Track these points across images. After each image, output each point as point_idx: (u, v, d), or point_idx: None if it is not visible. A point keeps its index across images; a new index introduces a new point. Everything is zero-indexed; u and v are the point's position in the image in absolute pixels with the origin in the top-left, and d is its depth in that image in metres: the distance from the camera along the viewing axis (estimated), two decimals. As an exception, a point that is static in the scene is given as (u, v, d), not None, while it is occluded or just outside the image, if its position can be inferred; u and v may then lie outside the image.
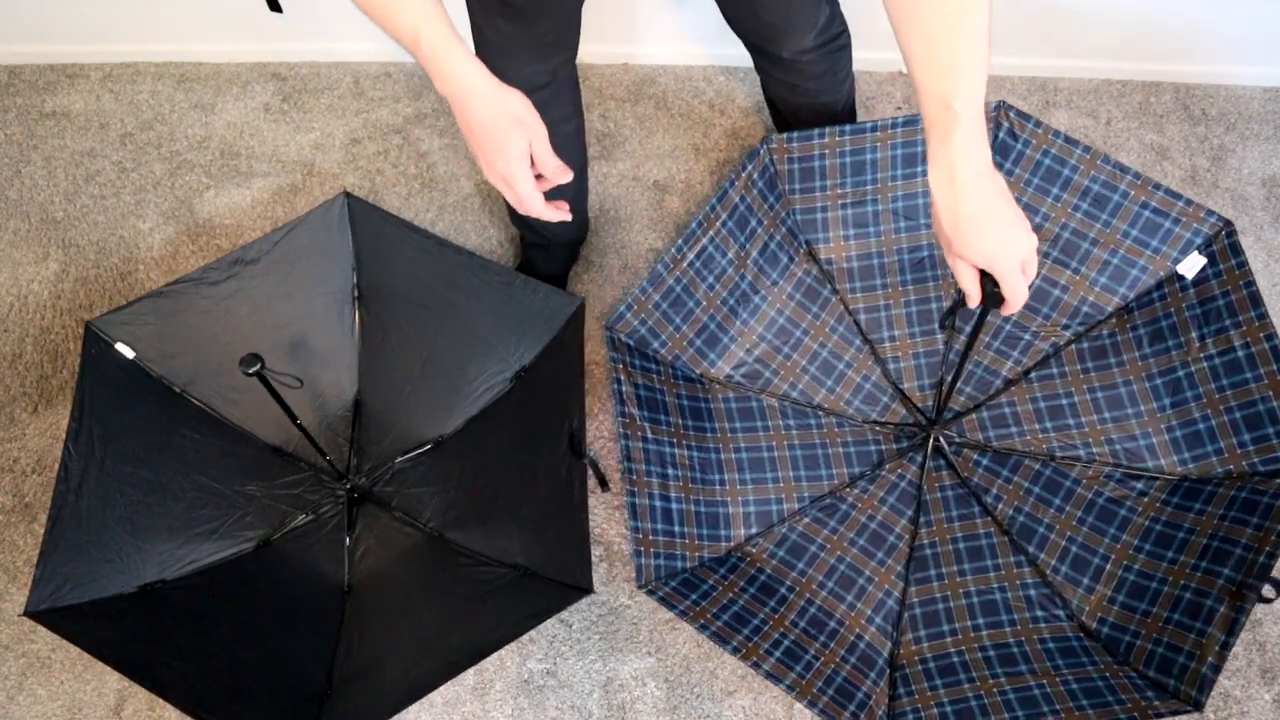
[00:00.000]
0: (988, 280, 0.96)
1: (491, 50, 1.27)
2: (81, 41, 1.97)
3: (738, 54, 1.55)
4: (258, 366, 1.15)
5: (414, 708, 1.51)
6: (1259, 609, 1.57)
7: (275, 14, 1.90)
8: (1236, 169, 1.91)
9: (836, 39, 1.45)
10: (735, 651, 1.21)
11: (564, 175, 0.95)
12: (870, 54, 1.90)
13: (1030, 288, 0.93)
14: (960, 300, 1.04)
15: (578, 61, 1.38)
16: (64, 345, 1.76)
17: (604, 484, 1.31)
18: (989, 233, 0.88)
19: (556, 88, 1.34)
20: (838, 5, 1.42)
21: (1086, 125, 1.95)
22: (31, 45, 1.97)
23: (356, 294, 1.53)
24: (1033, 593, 1.34)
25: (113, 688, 1.52)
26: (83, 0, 1.87)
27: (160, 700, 1.51)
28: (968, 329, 1.46)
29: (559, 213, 0.98)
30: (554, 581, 1.32)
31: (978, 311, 1.05)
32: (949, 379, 1.44)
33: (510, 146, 0.91)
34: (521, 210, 0.96)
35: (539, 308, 1.44)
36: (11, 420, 1.70)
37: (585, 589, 1.25)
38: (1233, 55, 1.93)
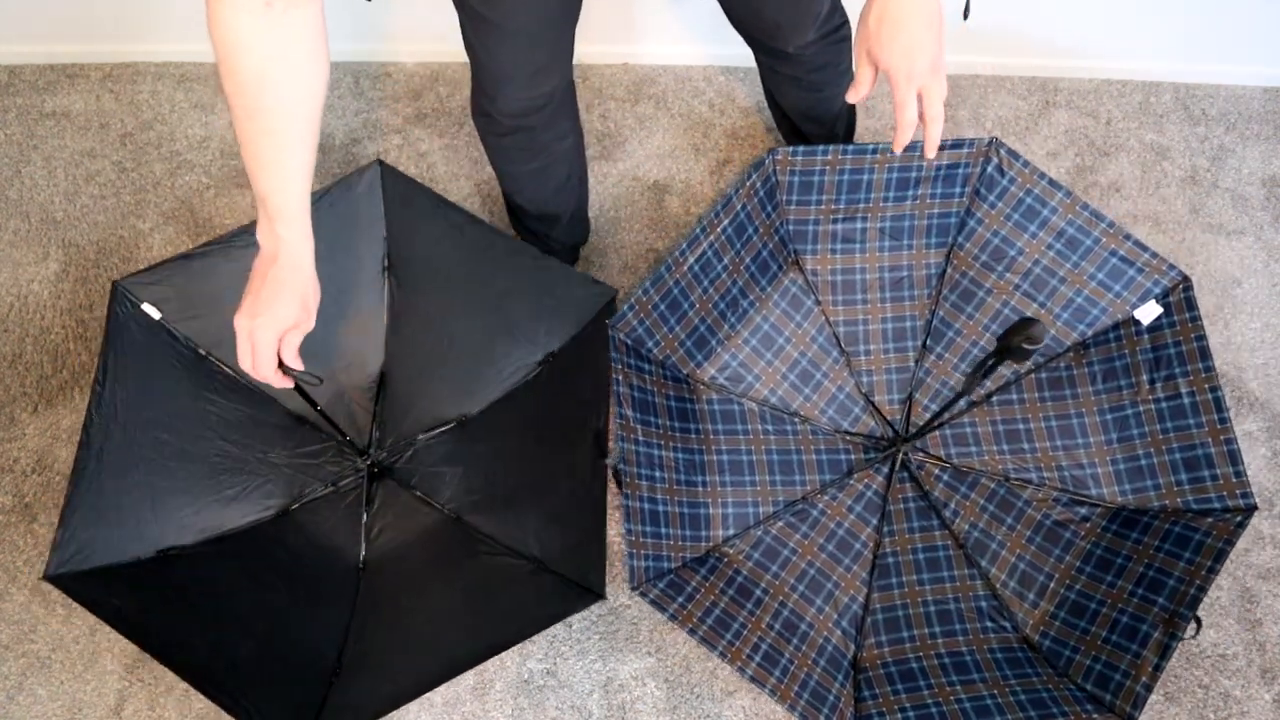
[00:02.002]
0: (1013, 335, 1.03)
1: (485, 76, 1.26)
2: (81, 41, 1.97)
3: (738, 54, 1.56)
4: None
5: (414, 706, 1.51)
6: (1260, 609, 1.57)
7: (275, 14, 1.89)
8: (1236, 169, 1.91)
9: (838, 30, 1.45)
10: (722, 656, 1.26)
11: (280, 381, 1.06)
12: (870, 54, 1.90)
13: (931, 107, 0.97)
14: (988, 358, 1.11)
15: (577, 62, 1.38)
16: (64, 345, 1.76)
17: (620, 482, 1.33)
18: (898, 38, 0.94)
19: (553, 109, 1.34)
20: None
21: (1086, 125, 1.95)
22: (31, 45, 1.97)
23: (386, 263, 1.51)
24: (984, 604, 1.43)
25: (113, 688, 1.52)
26: (82, 0, 1.88)
27: (160, 701, 1.51)
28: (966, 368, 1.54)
29: (282, 379, 1.07)
30: (566, 580, 1.32)
31: (988, 358, 1.11)
32: (920, 399, 1.53)
33: (282, 316, 1.00)
34: (243, 362, 1.04)
35: (572, 294, 1.43)
36: (11, 420, 1.70)
37: (597, 594, 1.26)
38: (1233, 55, 1.93)
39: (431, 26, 1.94)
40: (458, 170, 1.90)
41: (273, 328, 1.00)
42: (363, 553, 1.46)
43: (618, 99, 1.97)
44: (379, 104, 1.97)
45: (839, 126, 1.71)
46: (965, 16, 1.22)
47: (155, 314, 1.39)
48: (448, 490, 1.47)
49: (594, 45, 1.94)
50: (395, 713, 1.50)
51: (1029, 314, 1.49)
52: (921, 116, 0.98)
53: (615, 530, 1.61)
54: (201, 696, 1.28)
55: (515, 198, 1.55)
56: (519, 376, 1.49)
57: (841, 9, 1.45)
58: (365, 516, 1.47)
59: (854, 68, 0.99)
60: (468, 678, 1.53)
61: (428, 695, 1.51)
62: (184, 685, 1.24)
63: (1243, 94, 1.98)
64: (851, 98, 1.00)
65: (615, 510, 1.61)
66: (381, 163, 1.46)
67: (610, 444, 1.34)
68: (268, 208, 0.95)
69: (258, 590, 1.38)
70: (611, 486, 1.35)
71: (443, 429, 1.50)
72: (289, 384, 1.08)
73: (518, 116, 1.32)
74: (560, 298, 1.44)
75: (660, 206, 1.87)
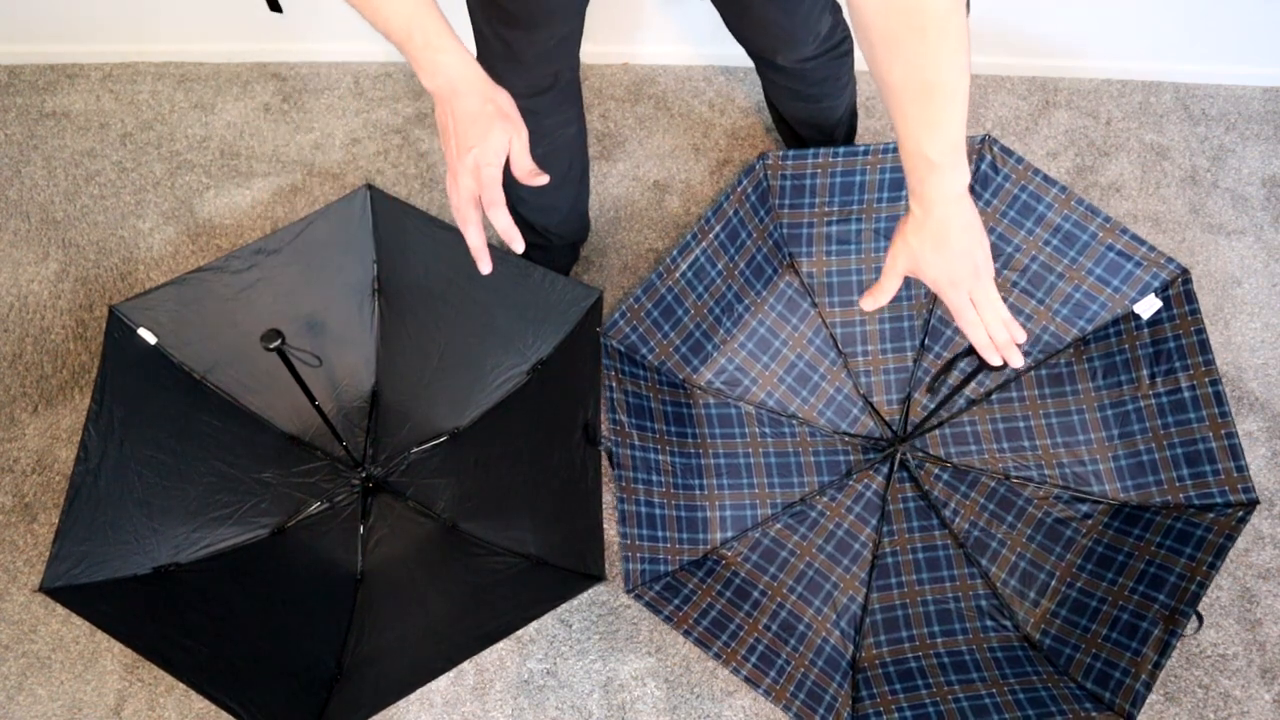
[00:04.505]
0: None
1: (493, 57, 1.27)
2: (81, 41, 1.97)
3: (738, 54, 1.56)
4: (278, 342, 1.15)
5: (414, 707, 1.51)
6: (1260, 609, 1.57)
7: (275, 14, 1.90)
8: (1236, 169, 1.91)
9: (839, 46, 1.45)
10: (717, 657, 1.26)
11: (537, 179, 0.93)
12: (870, 54, 1.90)
13: (985, 311, 0.97)
14: (951, 363, 1.12)
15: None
16: (64, 345, 1.76)
17: (614, 463, 1.34)
18: (942, 251, 0.94)
19: (558, 93, 1.34)
20: (840, 13, 1.43)
21: (1086, 125, 1.95)
22: (31, 45, 1.97)
23: (376, 285, 1.54)
24: (984, 603, 1.43)
25: (113, 688, 1.52)
26: (83, 0, 1.88)
27: (160, 701, 1.51)
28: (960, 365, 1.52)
29: (484, 248, 0.94)
30: (566, 570, 1.32)
31: (956, 359, 1.12)
32: (918, 399, 1.53)
33: (491, 135, 0.90)
34: (469, 206, 0.92)
35: (557, 299, 1.45)
36: (11, 420, 1.70)
37: (597, 576, 1.26)
38: (1233, 55, 1.93)
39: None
40: (458, 170, 1.90)
41: (496, 159, 0.91)
42: (360, 564, 1.47)
43: (618, 99, 1.97)
44: (379, 104, 1.97)
45: (839, 132, 1.71)
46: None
47: (151, 339, 1.41)
48: (442, 500, 1.48)
49: (594, 45, 1.94)
50: (395, 712, 1.50)
51: (1028, 310, 1.49)
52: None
53: (615, 530, 1.61)
54: (201, 697, 1.29)
55: (516, 187, 1.55)
56: (509, 386, 1.50)
57: (844, 25, 1.45)
58: (362, 529, 1.49)
59: (884, 275, 0.99)
60: (468, 678, 1.53)
61: (428, 695, 1.52)
62: (184, 685, 1.25)
63: (1243, 94, 1.98)
64: (868, 305, 1.00)
65: (614, 509, 1.61)
66: (370, 187, 1.49)
67: (603, 430, 1.35)
68: (418, 42, 0.88)
69: (255, 605, 1.39)
70: (607, 473, 1.35)
71: (436, 441, 1.52)
72: (517, 243, 0.94)
73: (524, 97, 1.32)
74: (546, 305, 1.45)
75: (660, 206, 1.87)
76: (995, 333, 0.97)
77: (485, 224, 0.94)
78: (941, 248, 0.93)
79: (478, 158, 0.90)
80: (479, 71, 0.91)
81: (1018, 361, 0.98)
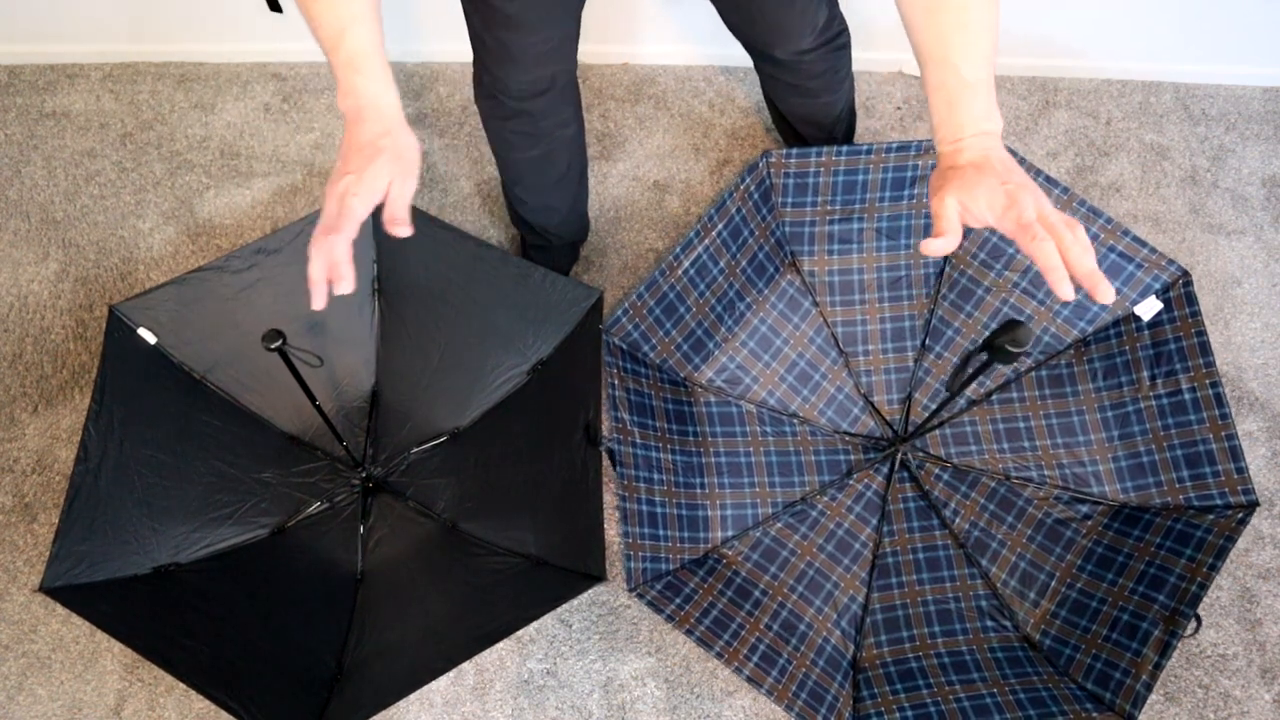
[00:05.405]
0: (997, 335, 1.01)
1: (490, 59, 1.27)
2: (81, 41, 1.97)
3: (738, 54, 1.56)
4: (279, 342, 1.15)
5: (414, 707, 1.51)
6: (1260, 609, 1.57)
7: (275, 14, 1.90)
8: (1236, 169, 1.91)
9: (836, 39, 1.45)
10: (719, 656, 1.26)
11: (397, 228, 0.89)
12: (870, 54, 1.90)
13: (1055, 225, 0.83)
14: (965, 360, 1.11)
15: (578, 61, 1.39)
16: (64, 345, 1.76)
17: (615, 462, 1.34)
18: (986, 172, 0.85)
19: (556, 93, 1.35)
20: (837, 6, 1.43)
21: (1086, 125, 1.95)
22: (31, 45, 1.97)
23: (376, 285, 1.54)
24: (984, 604, 1.43)
25: (113, 688, 1.52)
26: (83, 0, 1.88)
27: (160, 701, 1.51)
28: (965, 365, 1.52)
29: (320, 283, 0.87)
30: (566, 570, 1.32)
31: (970, 356, 1.10)
32: (919, 399, 1.53)
33: (372, 169, 0.86)
34: (320, 233, 0.87)
35: (557, 300, 1.45)
36: (11, 420, 1.70)
37: (597, 577, 1.26)
38: (1233, 55, 1.93)
39: (432, 27, 1.94)
40: (458, 170, 1.90)
41: (366, 194, 0.87)
42: (360, 564, 1.47)
43: (618, 99, 1.97)
44: (379, 104, 1.97)
45: (838, 130, 1.71)
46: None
47: (151, 339, 1.41)
48: (443, 500, 1.48)
49: (594, 45, 1.94)
50: (395, 712, 1.50)
51: (1029, 311, 1.49)
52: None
53: (616, 531, 1.61)
54: (201, 697, 1.28)
55: (515, 188, 1.55)
56: (510, 386, 1.50)
57: (841, 18, 1.45)
58: (362, 529, 1.49)
59: (938, 220, 0.87)
60: (468, 678, 1.53)
61: (428, 695, 1.52)
62: (184, 685, 1.25)
63: (1243, 94, 1.98)
64: (937, 248, 0.86)
65: (616, 510, 1.61)
66: None
67: (603, 430, 1.35)
68: (341, 57, 0.86)
69: (255, 605, 1.39)
70: (608, 473, 1.34)
71: (436, 441, 1.52)
72: (320, 300, 0.88)
73: (523, 99, 1.32)
74: (547, 305, 1.45)
75: (660, 206, 1.87)
76: (1072, 255, 0.81)
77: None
78: (983, 169, 0.85)
79: (349, 185, 0.86)
80: (394, 107, 0.88)
81: (1109, 296, 0.80)
